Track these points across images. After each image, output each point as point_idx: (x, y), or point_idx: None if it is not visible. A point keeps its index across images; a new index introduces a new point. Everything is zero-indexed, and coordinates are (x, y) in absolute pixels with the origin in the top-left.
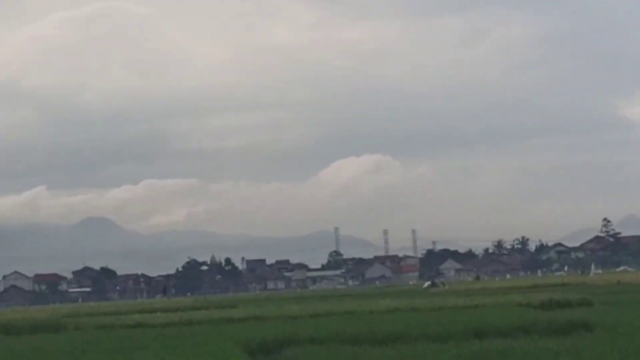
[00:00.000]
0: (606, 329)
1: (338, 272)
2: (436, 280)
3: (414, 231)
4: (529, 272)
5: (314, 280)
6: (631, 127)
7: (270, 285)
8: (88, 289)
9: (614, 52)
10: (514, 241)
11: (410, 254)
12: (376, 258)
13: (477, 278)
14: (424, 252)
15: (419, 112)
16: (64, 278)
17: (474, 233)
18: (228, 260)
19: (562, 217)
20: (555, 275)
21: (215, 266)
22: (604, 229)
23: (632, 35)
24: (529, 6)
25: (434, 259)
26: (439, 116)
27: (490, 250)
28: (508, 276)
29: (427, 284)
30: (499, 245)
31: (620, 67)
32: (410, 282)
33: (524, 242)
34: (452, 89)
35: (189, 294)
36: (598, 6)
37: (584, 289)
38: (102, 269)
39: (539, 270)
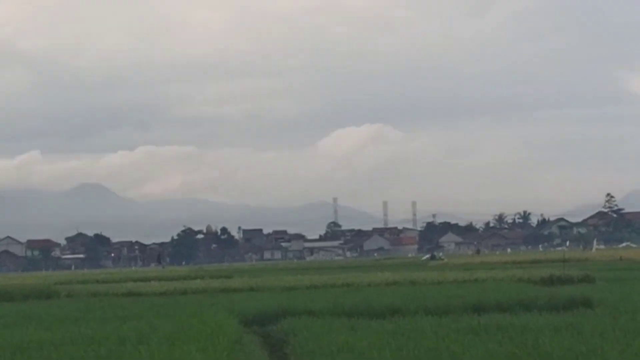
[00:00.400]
0: (608, 306)
1: (336, 243)
2: (435, 254)
3: (414, 203)
4: (530, 247)
5: (312, 251)
6: (637, 100)
7: (267, 255)
8: (81, 256)
9: (622, 23)
10: (515, 215)
11: (410, 226)
12: (375, 230)
13: (478, 252)
14: (424, 224)
15: (422, 82)
16: (57, 244)
17: (475, 206)
18: (224, 230)
19: (565, 192)
20: (556, 250)
21: (211, 235)
22: (607, 205)
23: None
24: None
25: (433, 231)
26: (443, 86)
27: (491, 224)
28: (509, 250)
29: (426, 256)
30: (500, 219)
31: (628, 39)
32: (409, 255)
33: (525, 216)
34: (456, 58)
35: (184, 263)
36: None
37: (585, 265)
38: (96, 235)
39: (540, 245)
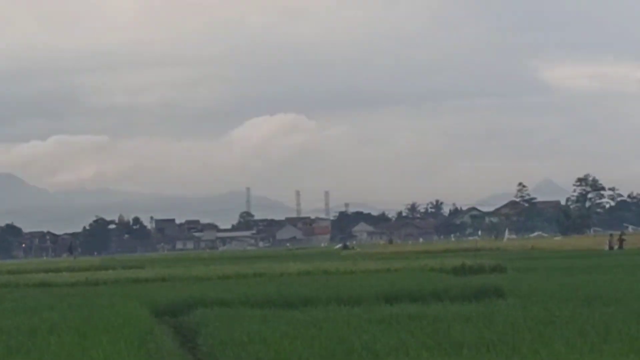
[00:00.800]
0: (519, 295)
1: (248, 233)
2: (348, 243)
3: (326, 193)
4: (442, 236)
5: (224, 241)
6: (550, 90)
7: (179, 245)
8: None
9: (534, 14)
10: (427, 205)
11: (323, 216)
12: (288, 219)
13: (390, 241)
14: (337, 214)
15: (336, 72)
16: None
17: (387, 196)
18: (136, 220)
19: (478, 181)
20: (468, 239)
21: (123, 225)
22: (519, 194)
23: None
24: None
25: (346, 221)
26: (357, 76)
27: (403, 214)
28: (421, 240)
29: (338, 246)
30: (413, 208)
31: (540, 30)
32: (322, 245)
33: (438, 205)
34: (370, 48)
35: (95, 253)
36: None
37: (497, 254)
38: (7, 226)
39: (452, 235)
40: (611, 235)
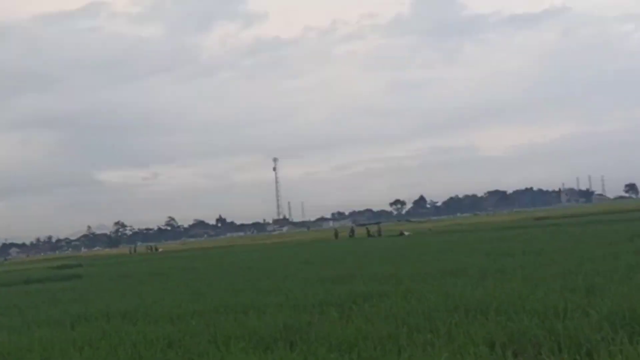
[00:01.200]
0: (90, 277)
1: None
2: (6, 258)
3: None
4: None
5: None
6: (102, 185)
7: None
8: None
9: (95, 144)
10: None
11: None
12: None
13: (27, 256)
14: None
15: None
16: None
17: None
18: None
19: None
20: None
21: None
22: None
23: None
24: None
25: (5, 248)
26: None
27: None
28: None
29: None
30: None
31: (97, 151)
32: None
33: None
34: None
35: None
36: None
37: (82, 260)
38: None
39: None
40: None
